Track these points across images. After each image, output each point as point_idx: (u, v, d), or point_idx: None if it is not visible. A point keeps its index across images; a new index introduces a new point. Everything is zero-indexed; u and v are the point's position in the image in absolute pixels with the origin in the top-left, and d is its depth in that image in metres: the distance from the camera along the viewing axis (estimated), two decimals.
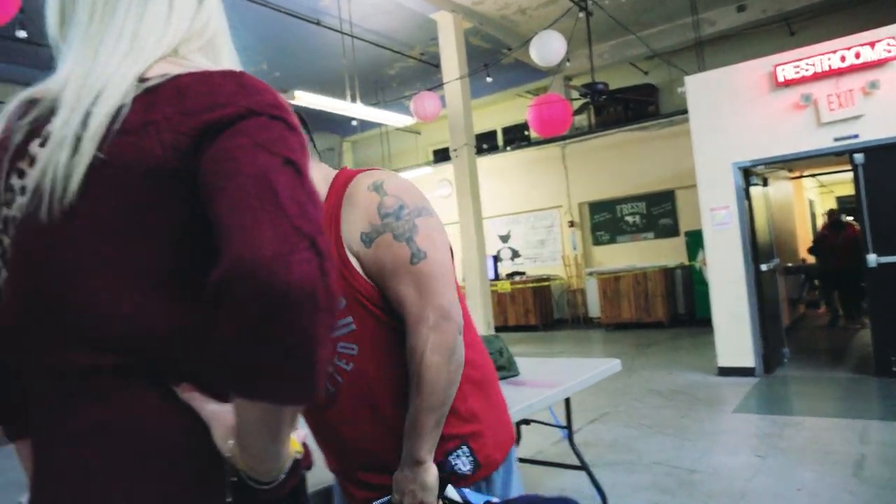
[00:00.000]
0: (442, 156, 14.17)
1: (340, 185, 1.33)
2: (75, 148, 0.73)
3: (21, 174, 0.79)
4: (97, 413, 0.74)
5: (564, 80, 11.19)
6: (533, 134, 10.98)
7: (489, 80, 9.79)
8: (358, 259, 1.27)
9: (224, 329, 0.62)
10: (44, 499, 0.78)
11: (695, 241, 9.76)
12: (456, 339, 1.23)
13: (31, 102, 0.83)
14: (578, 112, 8.67)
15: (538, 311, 11.67)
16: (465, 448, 1.32)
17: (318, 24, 8.69)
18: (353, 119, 9.59)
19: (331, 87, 10.48)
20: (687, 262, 10.57)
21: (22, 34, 6.32)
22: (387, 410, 1.30)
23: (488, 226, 11.27)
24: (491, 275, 11.86)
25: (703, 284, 7.46)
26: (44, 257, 0.76)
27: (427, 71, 11.07)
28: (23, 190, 0.79)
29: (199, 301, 0.69)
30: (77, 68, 0.79)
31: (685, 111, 7.08)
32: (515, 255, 13.07)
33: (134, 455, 0.74)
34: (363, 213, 1.27)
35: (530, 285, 11.69)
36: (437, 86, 9.04)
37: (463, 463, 1.31)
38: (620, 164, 11.30)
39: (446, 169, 13.25)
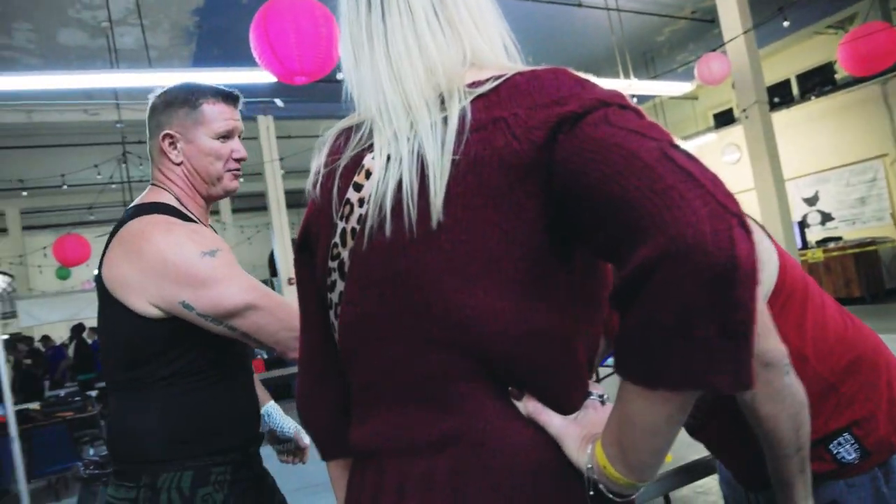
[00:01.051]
0: (724, 119, 13.00)
1: None
2: (441, 146, 0.74)
3: (358, 188, 0.82)
4: (450, 422, 0.75)
5: (881, 3, 9.42)
6: (846, 73, 9.41)
7: (786, 24, 8.54)
8: None
9: (658, 313, 0.58)
10: None
11: None
12: (783, 383, 1.11)
13: (349, 129, 0.87)
14: None
15: (863, 280, 10.00)
16: (846, 436, 1.24)
17: (579, 6, 8.46)
18: (633, 96, 9.15)
19: (600, 66, 10.17)
20: None
21: (340, 76, 7.08)
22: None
23: (790, 188, 9.96)
24: (798, 243, 10.52)
25: None
26: (402, 263, 0.76)
27: (701, 29, 10.18)
28: (361, 202, 0.81)
29: (557, 302, 0.73)
30: (395, 84, 0.81)
31: None
32: (827, 218, 11.45)
33: (486, 470, 0.73)
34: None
35: (850, 251, 10.08)
36: (719, 46, 8.20)
37: (847, 451, 1.24)
38: None
39: (731, 132, 11.99)
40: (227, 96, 1.50)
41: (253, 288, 1.30)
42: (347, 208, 0.83)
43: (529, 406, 0.74)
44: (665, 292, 0.57)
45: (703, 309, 0.56)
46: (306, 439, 1.67)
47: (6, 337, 12.06)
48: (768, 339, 1.14)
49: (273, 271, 15.23)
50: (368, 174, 0.81)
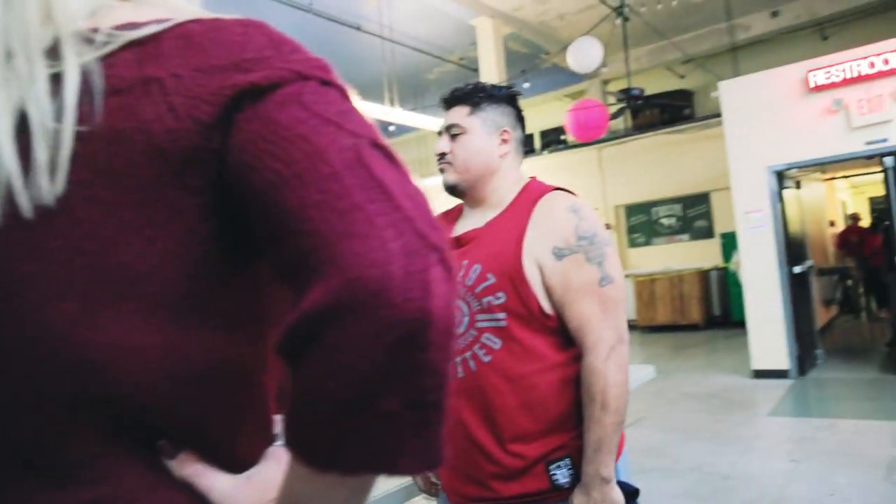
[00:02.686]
0: None
1: (533, 195, 1.44)
2: (57, 112, 0.49)
3: None
4: (82, 498, 0.53)
5: (602, 85, 11.30)
6: (570, 137, 11.12)
7: (526, 85, 9.96)
8: (541, 269, 1.35)
9: (330, 380, 0.44)
10: None
11: (729, 243, 9.82)
12: (627, 360, 1.35)
13: None
14: (615, 116, 8.80)
15: None
16: (567, 460, 1.35)
17: (358, 29, 8.89)
18: (391, 125, 9.81)
19: (369, 92, 10.71)
20: (722, 265, 10.63)
21: None
22: (497, 416, 1.35)
23: None
24: None
25: (738, 286, 7.56)
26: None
27: (466, 76, 11.23)
28: None
29: (232, 328, 0.55)
30: None
31: (720, 115, 7.20)
32: None
33: None
34: (559, 229, 1.36)
35: None
36: None
37: (563, 475, 1.34)
38: (656, 166, 11.37)
39: None
40: None
41: None
42: None
43: (186, 467, 0.55)
44: (338, 354, 0.44)
45: (386, 377, 0.44)
46: None
47: None
48: (620, 316, 1.35)
49: None
50: None
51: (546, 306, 1.35)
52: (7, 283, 0.50)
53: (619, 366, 1.32)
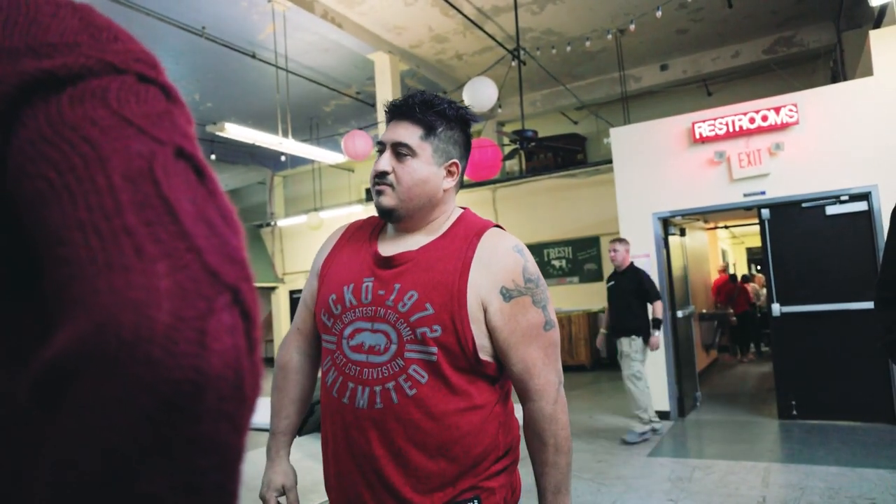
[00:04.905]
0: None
1: (474, 228, 1.38)
2: None
3: None
4: None
5: (497, 126, 11.49)
6: (465, 177, 11.22)
7: None
8: (486, 309, 1.29)
9: (77, 449, 0.33)
10: None
11: None
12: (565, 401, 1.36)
13: None
14: (509, 157, 8.91)
15: None
16: (475, 502, 1.31)
17: (253, 56, 8.71)
18: (283, 154, 9.54)
19: (265, 120, 10.44)
20: None
21: None
22: (412, 454, 1.27)
23: None
24: None
25: None
26: None
27: (363, 110, 11.17)
28: None
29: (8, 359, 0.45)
30: None
31: (611, 161, 7.39)
32: None
33: None
34: (507, 270, 1.31)
35: None
36: (372, 125, 9.14)
37: None
38: (549, 209, 11.61)
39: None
40: None
41: None
42: None
43: None
44: (84, 418, 0.33)
45: (144, 453, 0.33)
46: None
47: None
48: (559, 359, 1.35)
49: None
50: None
51: (482, 347, 1.29)
52: None
53: (563, 407, 1.34)
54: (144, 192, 0.37)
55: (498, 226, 1.41)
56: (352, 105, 11.16)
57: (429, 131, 1.36)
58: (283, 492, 1.44)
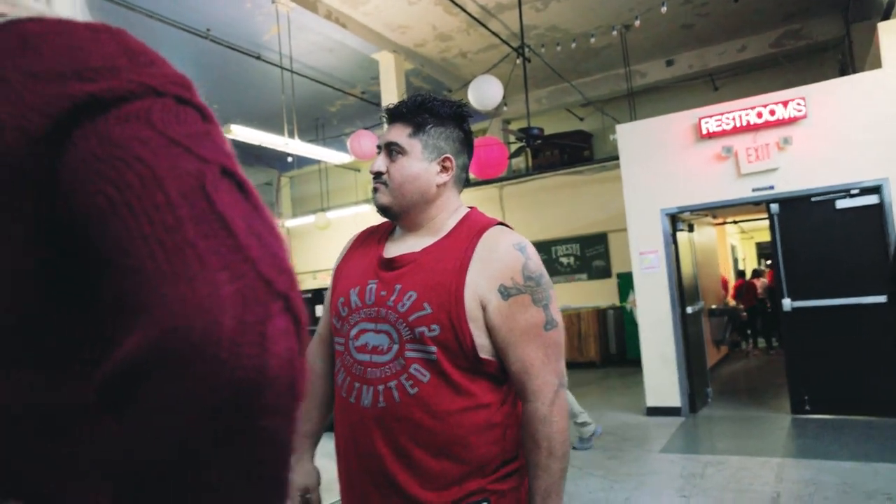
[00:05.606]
0: None
1: (476, 227, 1.38)
2: None
3: None
4: None
5: (503, 124, 11.46)
6: (471, 175, 11.22)
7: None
8: (484, 307, 1.29)
9: (149, 442, 0.37)
10: None
11: (626, 283, 10.03)
12: (566, 404, 1.33)
13: None
14: (515, 155, 8.88)
15: None
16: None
17: (258, 58, 8.72)
18: (289, 155, 9.55)
19: (271, 122, 10.44)
20: (618, 304, 10.84)
21: None
22: (415, 452, 1.28)
23: None
24: None
25: (634, 325, 7.68)
26: None
27: (368, 109, 11.17)
28: None
29: (39, 374, 0.48)
30: None
31: (617, 157, 7.36)
32: None
33: None
34: (506, 268, 1.31)
35: None
36: (377, 124, 9.13)
37: None
38: (556, 206, 11.57)
39: None
40: None
41: None
42: None
43: None
44: (155, 416, 0.37)
45: (212, 446, 0.37)
46: None
47: None
48: (561, 360, 1.33)
49: None
50: None
51: (482, 346, 1.30)
52: None
53: (561, 410, 1.30)
54: (200, 208, 0.41)
55: (504, 224, 1.42)
56: (357, 105, 11.15)
57: (417, 129, 1.40)
58: (307, 492, 1.48)
